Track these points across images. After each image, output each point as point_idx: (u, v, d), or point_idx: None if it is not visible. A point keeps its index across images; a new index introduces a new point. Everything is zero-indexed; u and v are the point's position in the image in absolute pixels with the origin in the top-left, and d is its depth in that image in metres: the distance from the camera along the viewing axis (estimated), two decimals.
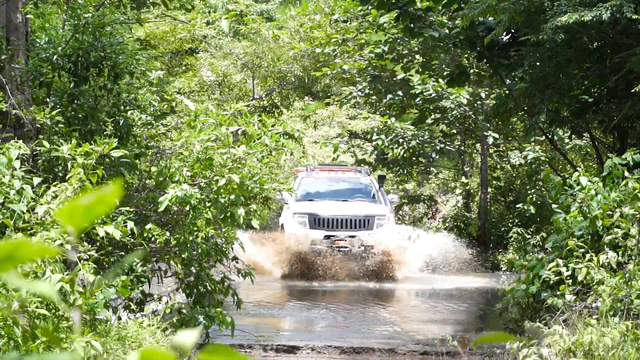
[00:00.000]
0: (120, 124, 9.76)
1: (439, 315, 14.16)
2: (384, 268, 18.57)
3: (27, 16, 9.50)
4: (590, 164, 22.87)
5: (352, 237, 18.88)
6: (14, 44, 9.30)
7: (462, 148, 23.92)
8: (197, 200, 8.94)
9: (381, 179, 21.35)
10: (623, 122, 12.04)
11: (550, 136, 15.06)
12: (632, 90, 10.21)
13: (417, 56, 21.84)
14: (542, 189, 22.75)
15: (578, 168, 11.13)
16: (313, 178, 20.82)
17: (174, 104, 10.70)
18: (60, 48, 9.66)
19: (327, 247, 18.76)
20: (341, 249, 18.76)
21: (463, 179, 25.05)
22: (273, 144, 9.43)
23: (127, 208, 8.45)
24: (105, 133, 9.25)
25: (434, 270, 20.19)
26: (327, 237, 18.90)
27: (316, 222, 19.05)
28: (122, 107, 9.98)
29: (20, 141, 8.16)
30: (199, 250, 9.24)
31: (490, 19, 13.03)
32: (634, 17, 9.86)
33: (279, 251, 18.87)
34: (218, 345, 1.32)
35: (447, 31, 15.35)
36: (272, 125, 9.69)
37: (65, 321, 6.90)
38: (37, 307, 6.52)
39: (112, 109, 9.87)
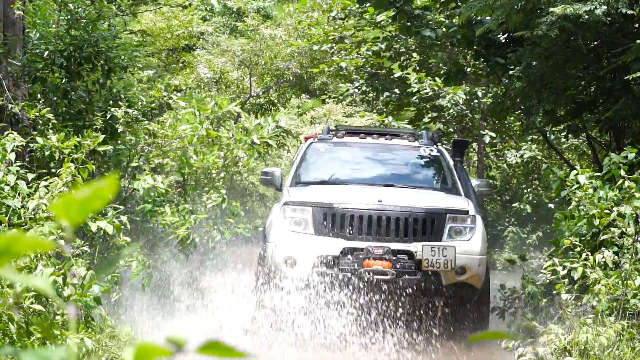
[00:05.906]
0: (111, 119, 9.77)
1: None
2: (476, 320, 10.08)
3: (19, 12, 9.47)
4: (587, 163, 22.90)
5: (400, 253, 9.49)
6: (11, 39, 9.27)
7: None
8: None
9: (461, 147, 11.71)
10: (619, 121, 12.04)
11: (546, 135, 15.08)
12: (626, 77, 10.20)
13: (414, 54, 21.83)
14: (539, 188, 22.76)
15: (576, 167, 11.13)
16: (331, 145, 11.35)
17: (171, 100, 10.70)
18: (51, 44, 9.65)
19: (351, 272, 9.33)
20: (379, 277, 9.30)
21: None
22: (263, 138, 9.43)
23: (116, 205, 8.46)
24: (95, 127, 9.27)
25: None
26: (351, 251, 9.45)
27: (328, 222, 9.60)
28: (114, 102, 9.99)
29: (15, 133, 8.15)
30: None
31: (488, 17, 13.03)
32: (629, 12, 9.84)
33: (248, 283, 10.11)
34: (214, 341, 1.31)
35: (444, 30, 15.35)
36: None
37: (60, 317, 6.88)
38: (31, 303, 6.51)
39: (104, 104, 9.86)
